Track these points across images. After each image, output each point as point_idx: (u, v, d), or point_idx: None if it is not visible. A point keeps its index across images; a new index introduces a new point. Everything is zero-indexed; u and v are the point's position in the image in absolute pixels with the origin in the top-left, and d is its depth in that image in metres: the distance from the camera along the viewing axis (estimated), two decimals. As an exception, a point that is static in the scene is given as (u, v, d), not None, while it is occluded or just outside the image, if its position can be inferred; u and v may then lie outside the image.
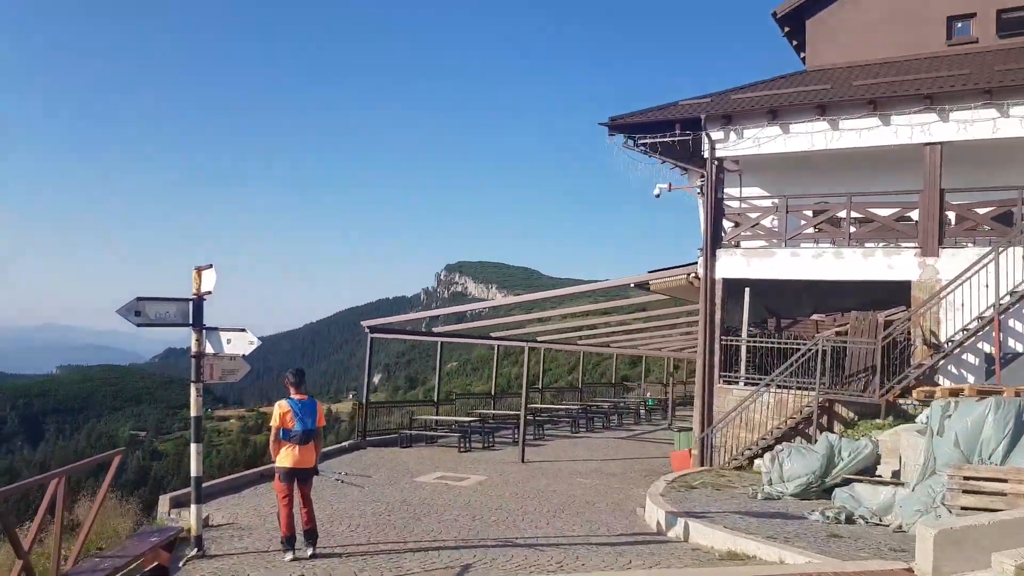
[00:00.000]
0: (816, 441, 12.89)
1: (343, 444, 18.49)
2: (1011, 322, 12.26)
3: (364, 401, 19.79)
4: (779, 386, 13.70)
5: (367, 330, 19.88)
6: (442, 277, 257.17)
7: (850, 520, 8.35)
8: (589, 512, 10.83)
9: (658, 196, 16.52)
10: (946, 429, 7.91)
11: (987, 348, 12.59)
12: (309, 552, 7.56)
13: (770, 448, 13.50)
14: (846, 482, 10.25)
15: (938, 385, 12.81)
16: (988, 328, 12.19)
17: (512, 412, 23.52)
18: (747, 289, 14.80)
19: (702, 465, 14.30)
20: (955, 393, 8.92)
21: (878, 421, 12.73)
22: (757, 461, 13.35)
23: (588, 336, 27.15)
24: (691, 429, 16.68)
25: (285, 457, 7.55)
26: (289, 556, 7.44)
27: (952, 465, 7.49)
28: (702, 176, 16.14)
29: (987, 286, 11.95)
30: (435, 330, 22.29)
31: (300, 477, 7.67)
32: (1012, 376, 11.95)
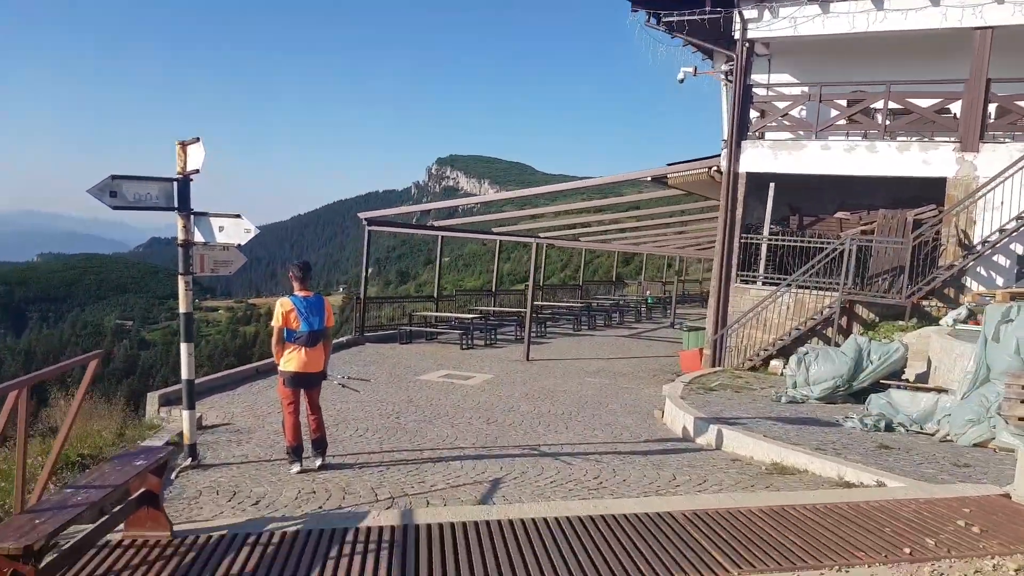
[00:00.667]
0: (836, 343, 12.45)
1: (340, 340, 18.00)
2: (1053, 223, 11.53)
3: (362, 295, 19.18)
4: (799, 286, 13.12)
5: (364, 222, 19.05)
6: (433, 171, 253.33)
7: (889, 428, 7.88)
8: (605, 414, 10.39)
9: (682, 81, 15.40)
10: (1003, 335, 7.32)
11: (1020, 250, 11.95)
12: (318, 463, 6.91)
13: (787, 349, 13.08)
14: (875, 387, 9.80)
15: (965, 287, 12.27)
16: (1019, 229, 11.49)
17: (513, 309, 23.06)
18: (772, 184, 13.96)
19: (714, 366, 13.89)
20: (1016, 297, 8.29)
21: (901, 323, 12.22)
22: (773, 362, 12.93)
23: (583, 234, 26.46)
24: (700, 328, 16.24)
25: (290, 360, 6.79)
26: (296, 468, 6.77)
27: (1011, 373, 6.94)
28: (729, 60, 15.00)
29: (1033, 184, 11.17)
30: (435, 224, 21.45)
31: (307, 382, 6.86)
32: (1046, 279, 11.41)
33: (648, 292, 32.33)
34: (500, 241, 23.44)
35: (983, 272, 12.16)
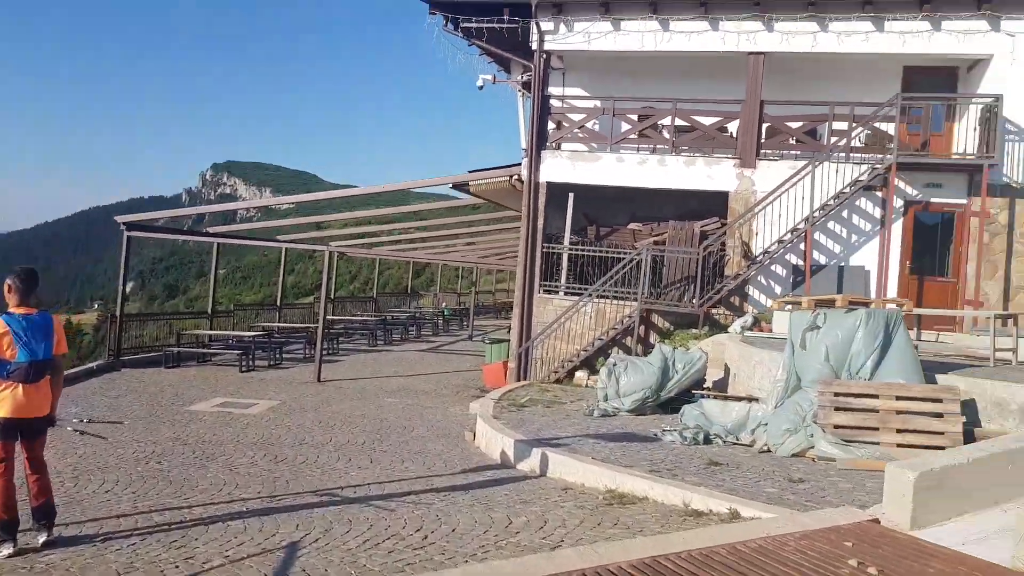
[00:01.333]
0: (637, 353, 12.50)
1: (90, 366, 15.41)
2: (816, 235, 12.45)
3: (118, 312, 16.61)
4: (600, 296, 13.09)
5: (122, 227, 16.53)
6: (208, 177, 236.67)
7: (707, 440, 7.72)
8: (412, 441, 9.43)
9: (481, 88, 14.96)
10: (809, 342, 7.43)
11: (794, 260, 12.77)
12: (42, 539, 5.18)
13: (590, 360, 12.96)
14: (681, 396, 9.78)
15: (749, 296, 12.89)
16: (798, 240, 12.29)
17: (301, 325, 21.36)
18: (571, 194, 13.86)
19: (520, 379, 13.47)
20: (822, 304, 8.55)
21: (694, 331, 12.57)
22: (578, 374, 12.74)
23: (377, 243, 25.35)
24: (503, 340, 15.83)
25: (2, 402, 5.14)
26: (7, 550, 5.02)
27: (822, 381, 7.02)
28: (526, 70, 14.79)
29: (803, 198, 11.95)
30: (211, 230, 19.20)
31: (27, 431, 5.20)
32: (814, 287, 12.23)
33: (444, 304, 31.79)
34: (286, 249, 21.66)
35: (764, 281, 12.85)
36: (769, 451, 7.23)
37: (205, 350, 17.47)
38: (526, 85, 15.16)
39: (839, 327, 7.26)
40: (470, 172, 14.67)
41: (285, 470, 7.56)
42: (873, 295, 11.51)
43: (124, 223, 16.60)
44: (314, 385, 14.48)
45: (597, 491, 6.40)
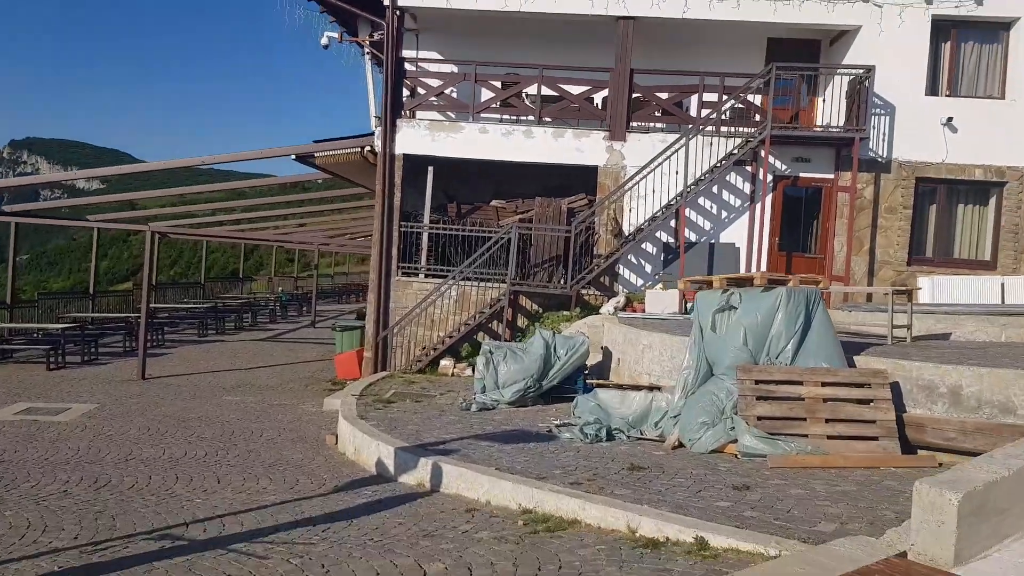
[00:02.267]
0: (505, 337, 11.85)
1: None
2: (687, 212, 12.30)
3: None
4: (464, 278, 12.27)
5: None
6: (4, 155, 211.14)
7: (610, 436, 7.04)
8: (264, 449, 8.18)
9: (326, 47, 13.58)
10: (721, 324, 6.93)
11: (664, 237, 12.60)
12: None
13: (455, 348, 12.17)
14: (564, 384, 9.21)
15: (619, 275, 12.58)
16: (669, 217, 12.09)
17: (119, 315, 18.93)
18: (430, 168, 12.89)
19: (378, 370, 12.42)
20: (733, 282, 8.10)
21: (566, 313, 12.09)
22: (444, 362, 11.89)
23: (206, 224, 23.05)
24: (354, 327, 14.65)
25: None
26: None
27: (741, 367, 6.54)
28: (375, 30, 13.57)
29: (677, 173, 11.71)
30: (6, 208, 16.35)
31: None
32: (688, 266, 12.14)
33: (280, 289, 29.68)
34: (98, 230, 19.06)
35: (634, 260, 12.57)
36: (683, 446, 6.69)
37: (6, 346, 14.93)
38: (376, 46, 13.95)
39: (757, 308, 6.78)
40: (316, 142, 13.28)
41: (109, 499, 6.06)
42: (743, 272, 11.52)
43: None
44: (138, 383, 12.66)
45: (510, 512, 5.40)
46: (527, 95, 13.32)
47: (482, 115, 12.96)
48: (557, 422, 7.69)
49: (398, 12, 12.68)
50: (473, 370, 11.69)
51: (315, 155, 13.13)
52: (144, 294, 13.69)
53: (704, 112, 12.20)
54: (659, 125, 12.96)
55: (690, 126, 11.97)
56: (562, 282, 12.21)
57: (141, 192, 27.11)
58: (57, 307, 18.27)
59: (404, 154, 12.77)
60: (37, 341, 15.07)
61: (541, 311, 12.44)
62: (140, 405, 10.76)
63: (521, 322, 12.43)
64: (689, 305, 11.33)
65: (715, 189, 12.40)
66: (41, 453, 7.80)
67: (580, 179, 13.24)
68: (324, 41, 13.40)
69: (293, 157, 13.28)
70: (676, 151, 11.70)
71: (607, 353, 9.86)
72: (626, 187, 11.96)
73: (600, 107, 13.03)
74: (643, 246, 12.53)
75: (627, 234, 12.20)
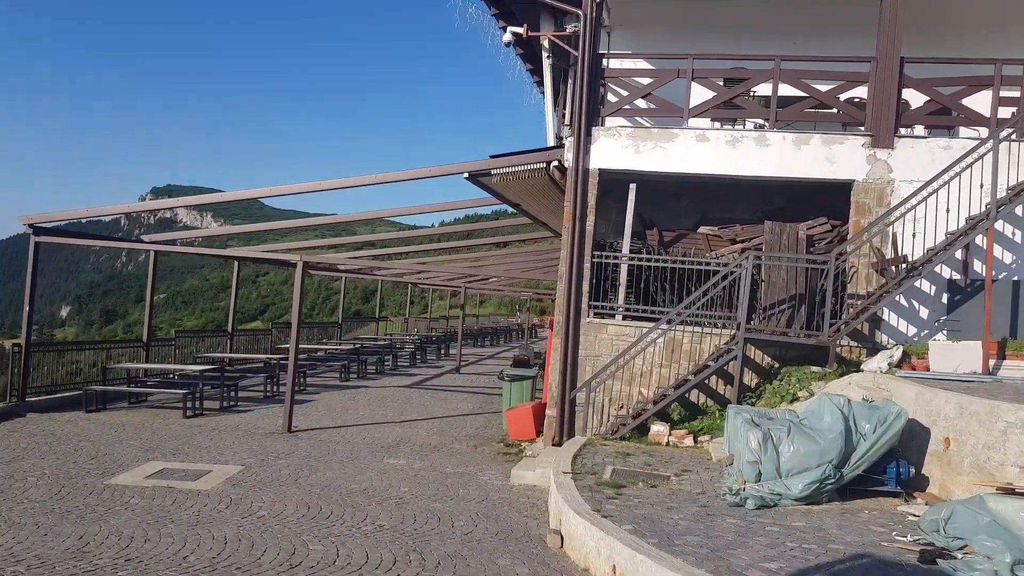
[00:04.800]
0: (737, 400, 9.17)
1: (-18, 411, 11.40)
2: (978, 239, 9.31)
3: (23, 340, 12.64)
4: (671, 321, 9.75)
5: (28, 229, 12.64)
6: (148, 201, 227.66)
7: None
8: (471, 554, 5.86)
9: (508, 45, 11.64)
10: None
11: (948, 273, 9.64)
12: None
13: (665, 409, 9.61)
14: (869, 474, 6.47)
15: (881, 321, 9.69)
16: (960, 245, 9.12)
17: (258, 356, 17.54)
18: (633, 186, 10.56)
19: (565, 432, 10.01)
20: None
21: (814, 369, 9.29)
22: (655, 428, 9.32)
23: (357, 257, 21.62)
24: (524, 377, 12.41)
25: None
26: None
27: None
28: (557, 28, 11.53)
29: (982, 186, 8.79)
30: (147, 238, 15.30)
31: None
32: (971, 310, 9.16)
33: (416, 331, 28.05)
34: (239, 263, 17.86)
35: (903, 302, 9.65)
36: None
37: (140, 389, 13.59)
38: (553, 48, 11.93)
39: None
40: (493, 157, 11.26)
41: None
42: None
43: (30, 224, 12.68)
44: (284, 438, 10.80)
45: None
46: (754, 95, 10.86)
47: (690, 121, 10.57)
48: (910, 538, 4.96)
49: (597, 1, 10.56)
50: (695, 440, 9.16)
51: (492, 172, 11.07)
52: (294, 335, 11.92)
53: (1011, 111, 9.29)
54: (920, 130, 10.15)
55: (999, 129, 9.00)
56: (806, 328, 9.49)
57: (279, 244, 26.44)
58: (192, 345, 17.11)
59: (600, 169, 10.51)
60: (174, 384, 13.64)
61: (777, 365, 9.71)
62: (291, 468, 8.78)
63: (749, 379, 9.75)
64: (996, 364, 8.36)
65: (1019, 210, 9.38)
66: (177, 546, 5.78)
67: (816, 199, 10.60)
68: (507, 39, 11.46)
69: (466, 175, 11.28)
70: (975, 161, 8.81)
71: (915, 430, 7.01)
72: (903, 206, 9.11)
73: (852, 104, 10.34)
74: (916, 284, 9.60)
75: (900, 268, 9.31)
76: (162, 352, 15.77)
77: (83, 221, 15.01)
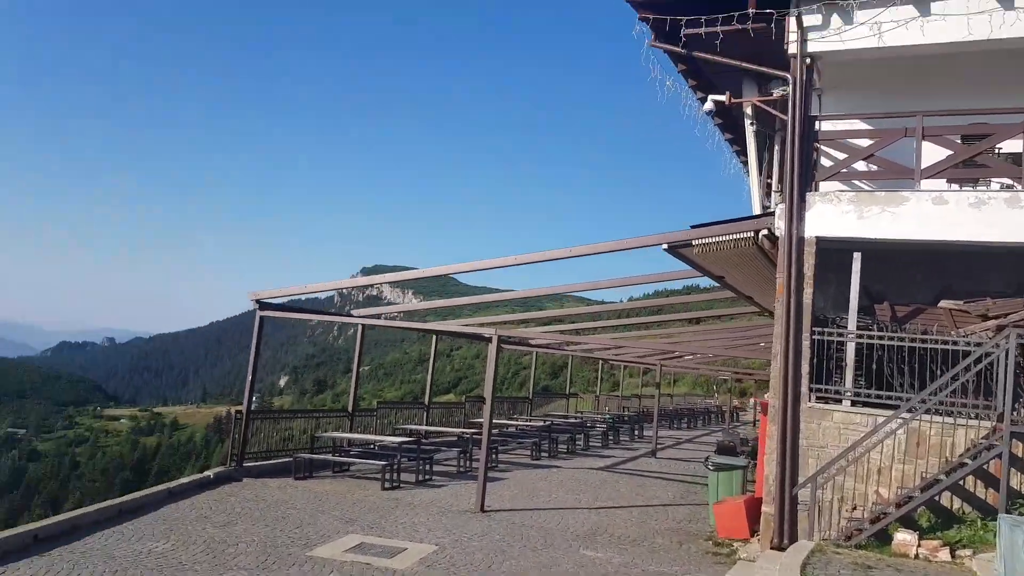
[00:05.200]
0: (1006, 506, 7.61)
1: (205, 475, 12.22)
2: None
3: (245, 407, 13.54)
4: (913, 409, 8.40)
5: (255, 304, 13.70)
6: (354, 278, 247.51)
7: None
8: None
9: (710, 113, 11.19)
10: None
11: None
12: None
13: (911, 515, 8.19)
14: None
15: None
16: None
17: (451, 429, 17.69)
18: (857, 255, 9.47)
19: (785, 534, 8.83)
20: None
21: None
22: (900, 536, 7.93)
23: (560, 332, 21.58)
24: (734, 467, 11.33)
25: None
26: None
27: None
28: (761, 91, 10.89)
29: None
30: (355, 312, 16.17)
31: None
32: None
33: (608, 409, 27.29)
34: (436, 336, 18.32)
35: None
36: None
37: (343, 458, 14.06)
38: (757, 114, 11.27)
39: None
40: (694, 227, 10.65)
41: None
42: None
43: (257, 300, 13.75)
44: (477, 518, 10.50)
45: None
46: (1000, 151, 9.49)
47: (921, 183, 9.37)
48: None
49: (807, 59, 9.84)
50: (952, 554, 7.68)
51: (693, 242, 10.44)
52: (487, 412, 11.79)
53: None
54: None
55: None
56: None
57: (479, 318, 27.23)
58: (392, 415, 17.60)
59: (816, 236, 9.53)
60: (374, 455, 13.96)
61: (1053, 467, 8.02)
62: (484, 552, 8.42)
63: (1017, 481, 8.11)
64: None
65: None
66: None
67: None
68: (708, 107, 10.99)
69: (664, 247, 10.72)
70: None
71: None
72: None
73: None
74: None
75: None
76: (364, 421, 16.33)
77: (302, 299, 16.15)
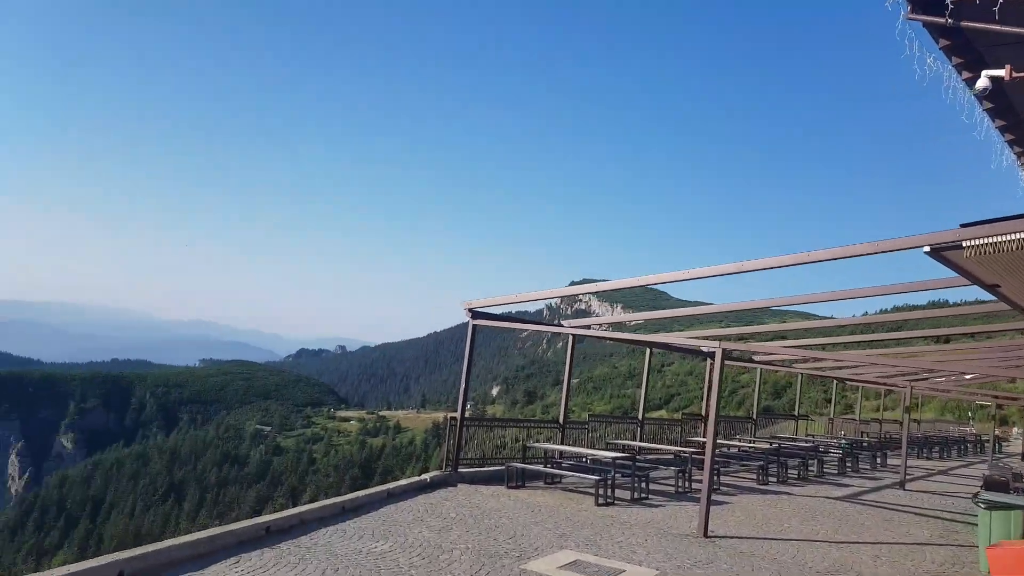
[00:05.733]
0: None
1: (423, 478, 12.40)
2: None
3: (459, 414, 13.65)
4: None
5: (467, 313, 13.80)
6: (563, 288, 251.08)
7: None
8: None
9: (984, 92, 9.45)
10: None
11: None
12: None
13: None
14: None
15: None
16: None
17: (667, 447, 16.77)
18: None
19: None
20: None
21: None
22: None
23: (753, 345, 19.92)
24: (1012, 507, 9.45)
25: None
26: None
27: None
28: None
29: None
30: (566, 323, 15.85)
31: None
32: None
33: (843, 433, 24.73)
34: (650, 349, 17.50)
35: None
36: None
37: (554, 470, 13.71)
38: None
39: None
40: (963, 226, 9.01)
41: None
42: None
43: (470, 309, 13.85)
44: (700, 543, 9.59)
45: None
46: None
47: None
48: None
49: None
50: None
51: (963, 243, 8.82)
52: (711, 429, 10.81)
53: None
54: None
55: None
56: None
57: (688, 327, 25.89)
58: (602, 429, 17.01)
59: None
60: (586, 468, 13.46)
61: None
62: (711, 584, 7.54)
63: None
64: None
65: None
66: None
67: None
68: (981, 84, 9.31)
69: (926, 249, 9.16)
70: None
71: None
72: None
73: None
74: None
75: None
76: (574, 434, 15.91)
77: (512, 311, 16.14)
